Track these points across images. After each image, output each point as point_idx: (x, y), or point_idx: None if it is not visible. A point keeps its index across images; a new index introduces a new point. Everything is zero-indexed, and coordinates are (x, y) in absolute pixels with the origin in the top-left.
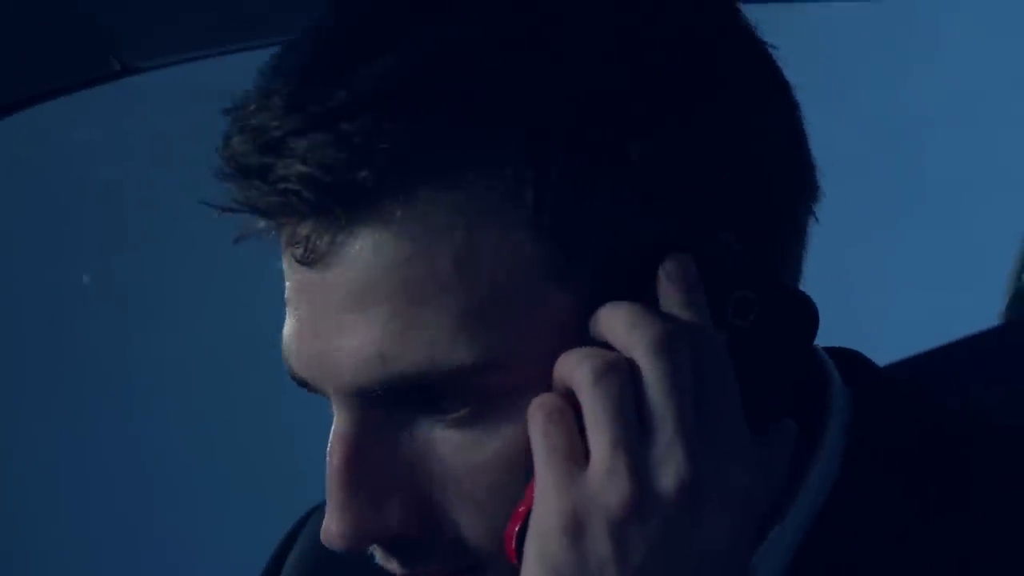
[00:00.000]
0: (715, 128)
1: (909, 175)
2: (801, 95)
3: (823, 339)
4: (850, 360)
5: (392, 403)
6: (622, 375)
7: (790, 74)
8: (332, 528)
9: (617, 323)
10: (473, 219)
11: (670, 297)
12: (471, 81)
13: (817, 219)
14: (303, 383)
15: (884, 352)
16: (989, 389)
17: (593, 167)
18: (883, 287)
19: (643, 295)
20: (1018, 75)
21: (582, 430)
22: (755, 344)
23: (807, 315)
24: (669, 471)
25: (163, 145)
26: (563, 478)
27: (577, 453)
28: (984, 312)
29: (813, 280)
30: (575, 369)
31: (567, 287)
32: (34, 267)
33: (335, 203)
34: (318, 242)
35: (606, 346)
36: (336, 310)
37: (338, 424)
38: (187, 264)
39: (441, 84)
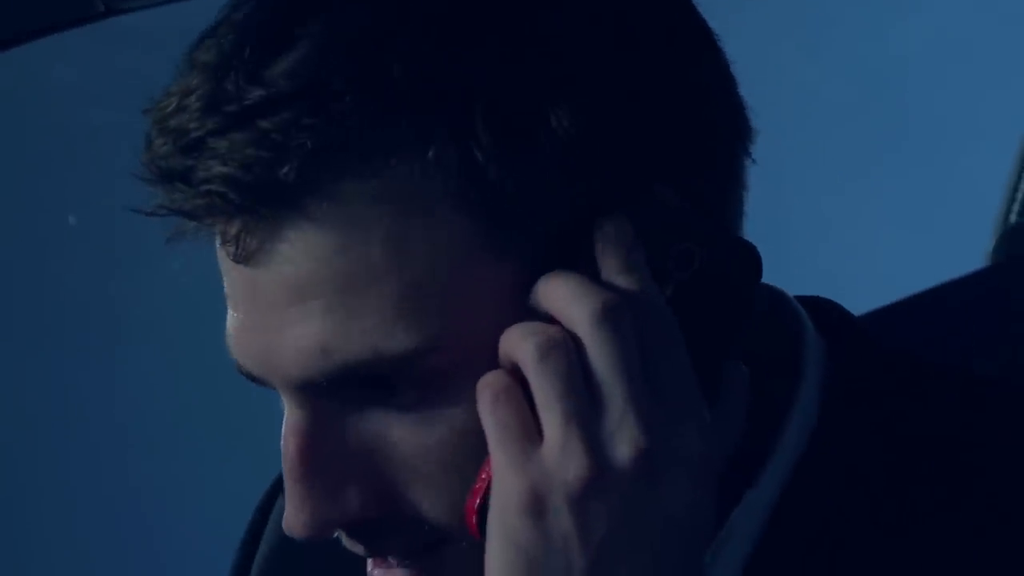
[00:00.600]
0: (637, 83)
1: (893, 119)
2: (786, 41)
3: (809, 287)
4: (824, 310)
5: (340, 393)
6: (567, 350)
7: (774, 21)
8: (293, 519)
9: (557, 296)
10: (399, 204)
11: (608, 260)
12: (385, 66)
13: (754, 160)
14: (250, 377)
15: (872, 299)
16: (976, 331)
17: (515, 138)
18: (869, 232)
19: (582, 260)
20: (1002, 17)
21: (532, 405)
22: (699, 294)
23: (750, 260)
24: (624, 442)
25: (148, 88)
26: (518, 457)
27: (530, 430)
28: (971, 256)
29: (797, 226)
30: (519, 346)
31: (504, 261)
32: (20, 207)
33: (259, 203)
34: (248, 241)
35: (549, 318)
36: (275, 306)
37: (289, 417)
38: None
39: (355, 72)
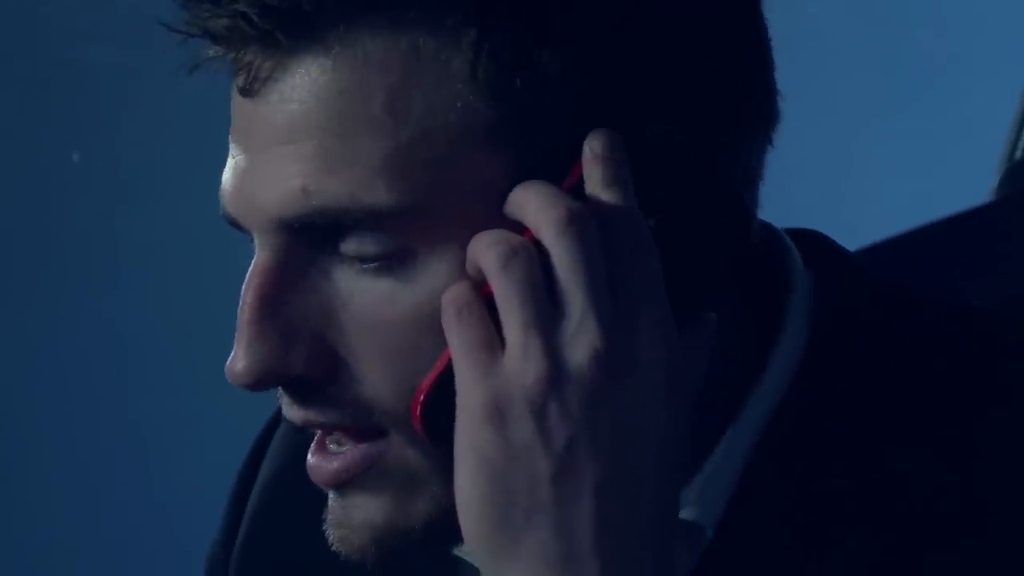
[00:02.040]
0: (665, 21)
1: (896, 55)
2: None
3: (816, 224)
4: (813, 242)
5: (312, 241)
6: (530, 257)
7: None
8: (237, 365)
9: (526, 203)
10: (410, 62)
11: (593, 173)
12: None
13: (773, 145)
14: (233, 222)
15: (879, 236)
16: (978, 264)
17: (533, 36)
18: (876, 171)
19: (569, 176)
20: None
21: (497, 316)
22: (683, 235)
23: (740, 218)
24: (582, 345)
25: (146, 25)
26: (480, 368)
27: (493, 341)
28: (977, 194)
29: (804, 164)
30: (483, 254)
31: (496, 152)
32: (22, 145)
33: (278, 28)
34: (260, 69)
35: (522, 228)
36: (270, 143)
37: (257, 260)
38: (178, 142)
39: None
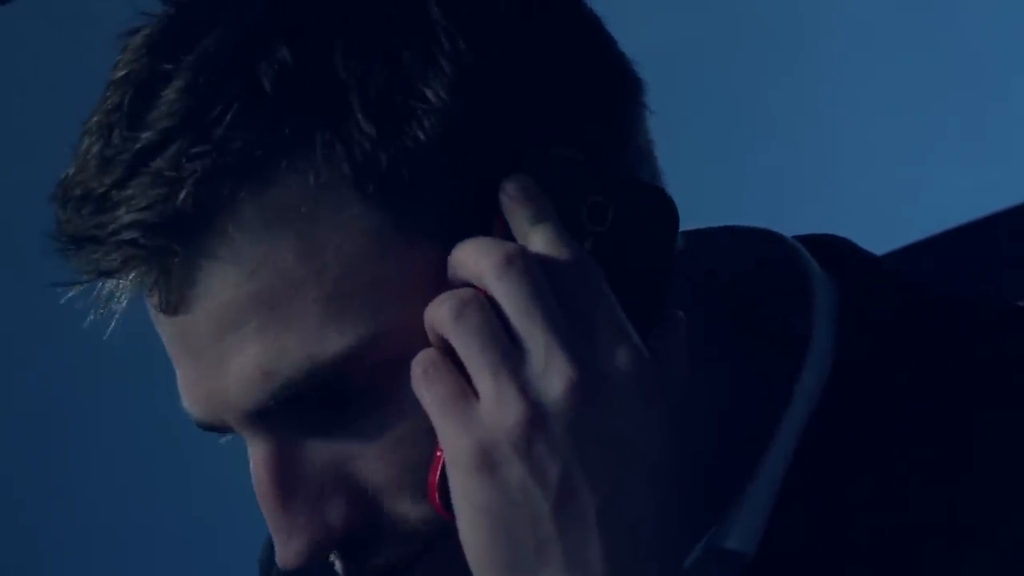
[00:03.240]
0: (509, 52)
1: (938, 45)
2: None
3: (855, 221)
4: (829, 245)
5: (293, 415)
6: (480, 305)
7: None
8: (287, 554)
9: (464, 259)
10: (301, 210)
11: (517, 217)
12: (256, 82)
13: (652, 110)
14: (211, 428)
15: (919, 232)
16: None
17: (397, 120)
18: (918, 164)
19: (496, 228)
20: None
21: (466, 372)
22: (621, 244)
23: (664, 206)
24: (553, 378)
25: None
26: (458, 419)
27: (465, 393)
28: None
29: (843, 158)
30: (434, 314)
31: (418, 245)
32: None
33: (169, 239)
34: (169, 286)
35: (468, 286)
36: (208, 346)
37: (252, 452)
38: None
39: (229, 94)
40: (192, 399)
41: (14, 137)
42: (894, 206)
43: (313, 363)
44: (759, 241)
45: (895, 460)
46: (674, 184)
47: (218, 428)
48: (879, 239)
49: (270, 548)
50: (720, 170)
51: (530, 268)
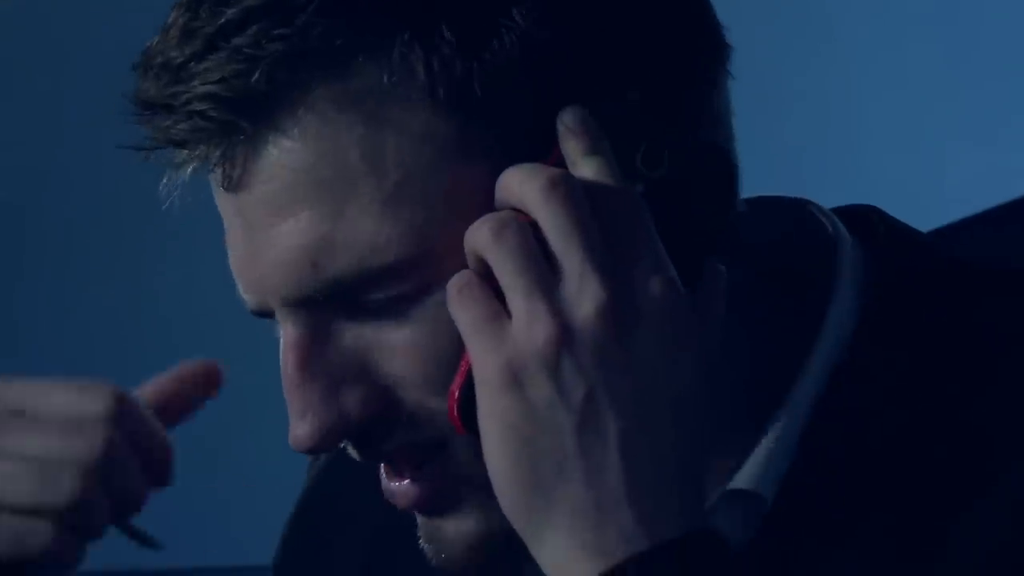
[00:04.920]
0: None
1: (966, 24)
2: None
3: (888, 198)
4: (861, 215)
5: (332, 305)
6: (520, 226)
7: None
8: (298, 432)
9: (510, 183)
10: (371, 107)
11: (571, 148)
12: None
13: (732, 75)
14: (258, 312)
15: (949, 213)
16: None
17: (479, 33)
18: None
19: (550, 158)
20: None
21: (501, 292)
22: (671, 195)
23: (723, 165)
24: (585, 301)
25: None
26: (489, 339)
27: (498, 313)
28: None
29: (870, 139)
30: (474, 234)
31: (478, 161)
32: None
33: (238, 115)
34: (233, 163)
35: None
36: (264, 226)
37: (285, 335)
38: None
39: None
40: (243, 282)
41: None
42: (920, 189)
43: (361, 266)
44: (793, 209)
45: (914, 410)
46: None
47: (262, 314)
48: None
49: (282, 552)
50: (746, 150)
51: (573, 193)
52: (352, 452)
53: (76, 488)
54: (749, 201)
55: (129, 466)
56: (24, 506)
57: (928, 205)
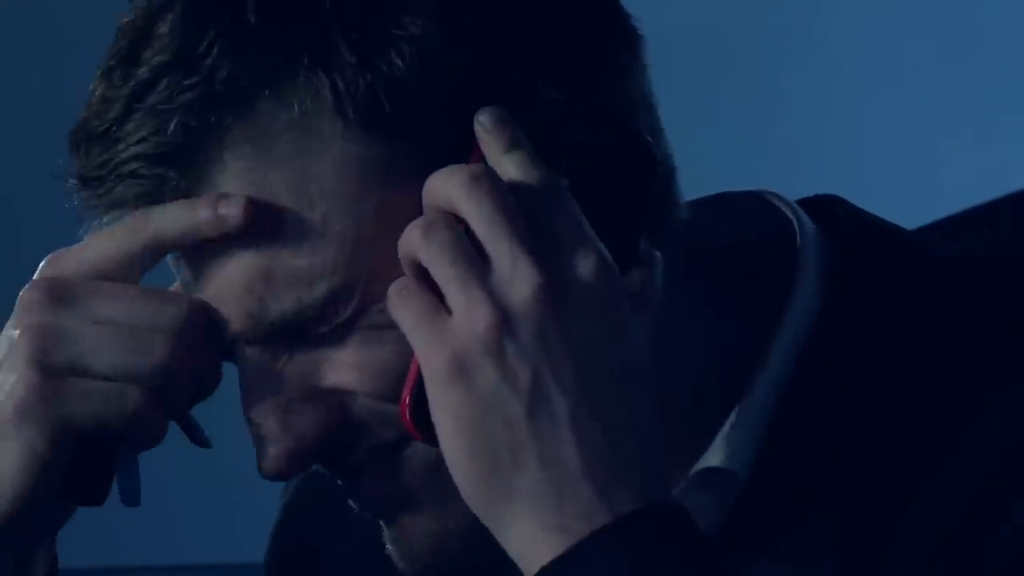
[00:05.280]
0: None
1: (959, 21)
2: None
3: (877, 196)
4: (824, 205)
5: (283, 338)
6: (448, 221)
7: None
8: (263, 463)
9: (435, 184)
10: (287, 141)
11: (491, 146)
12: (241, 16)
13: (645, 67)
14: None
15: (940, 209)
16: None
17: (378, 50)
18: (937, 141)
19: (471, 159)
20: None
21: (440, 293)
22: (595, 186)
23: (643, 154)
24: (520, 283)
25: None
26: (432, 334)
27: (438, 309)
28: None
29: (864, 136)
30: (407, 238)
31: (401, 178)
32: None
33: (165, 168)
34: None
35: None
36: (208, 270)
37: (239, 371)
38: None
39: (215, 29)
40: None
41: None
42: (911, 185)
43: (300, 303)
44: (756, 200)
45: (880, 390)
46: (693, 162)
47: (224, 353)
48: (895, 218)
49: (273, 552)
50: (737, 149)
51: (495, 184)
52: (322, 469)
53: (165, 353)
54: (713, 197)
55: (206, 349)
56: (115, 370)
57: (924, 202)
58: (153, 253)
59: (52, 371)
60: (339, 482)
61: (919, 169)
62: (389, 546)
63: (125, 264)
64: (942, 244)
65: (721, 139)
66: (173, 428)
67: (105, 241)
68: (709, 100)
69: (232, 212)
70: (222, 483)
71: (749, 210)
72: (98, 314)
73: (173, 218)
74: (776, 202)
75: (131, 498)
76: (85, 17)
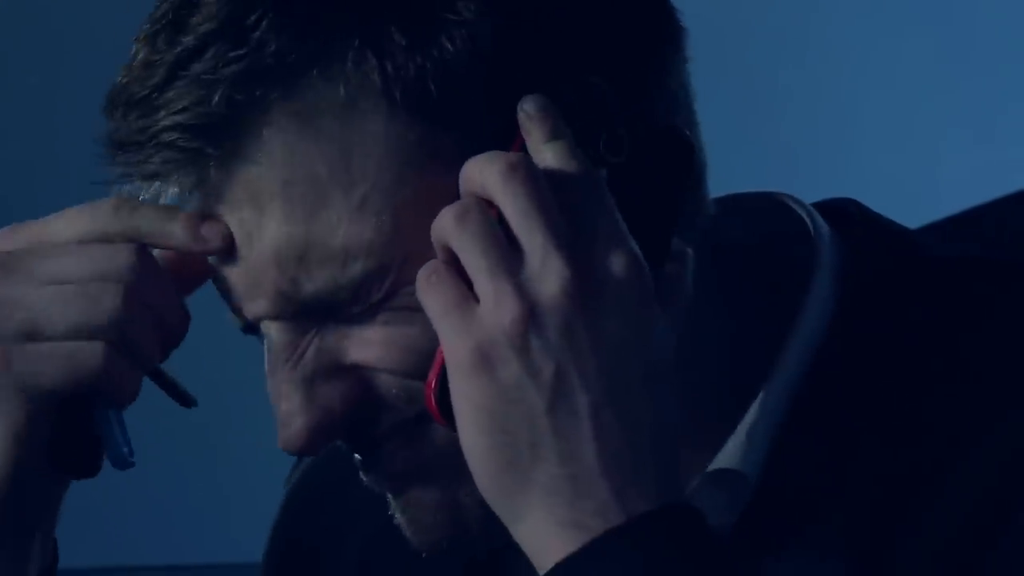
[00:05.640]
0: None
1: (956, 21)
2: None
3: (877, 194)
4: (838, 208)
5: (311, 313)
6: (482, 210)
7: None
8: (286, 434)
9: (472, 170)
10: (332, 120)
11: (533, 134)
12: None
13: (689, 58)
14: (244, 327)
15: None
16: None
17: (425, 33)
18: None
19: (513, 146)
20: None
21: (469, 281)
22: (633, 178)
23: (682, 147)
24: (549, 278)
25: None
26: (458, 323)
27: (466, 298)
28: None
29: (863, 135)
30: (440, 223)
31: (442, 162)
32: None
33: (205, 142)
34: (207, 186)
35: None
36: (242, 247)
37: (269, 345)
38: None
39: (263, 2)
40: (227, 300)
41: None
42: (907, 185)
43: (335, 284)
44: (773, 202)
45: (893, 392)
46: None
47: (251, 328)
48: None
49: (272, 550)
50: (738, 150)
51: (533, 175)
52: (346, 447)
53: (119, 303)
54: (729, 197)
55: (164, 287)
56: (72, 327)
57: (922, 201)
58: (123, 240)
59: (8, 339)
60: (357, 457)
61: (915, 168)
62: (400, 517)
63: (91, 241)
64: (948, 245)
65: (717, 137)
66: (168, 428)
67: (78, 215)
68: (705, 98)
69: (211, 236)
70: (221, 482)
71: (764, 211)
72: (43, 275)
73: (153, 221)
74: (791, 204)
75: (120, 461)
76: (85, 17)
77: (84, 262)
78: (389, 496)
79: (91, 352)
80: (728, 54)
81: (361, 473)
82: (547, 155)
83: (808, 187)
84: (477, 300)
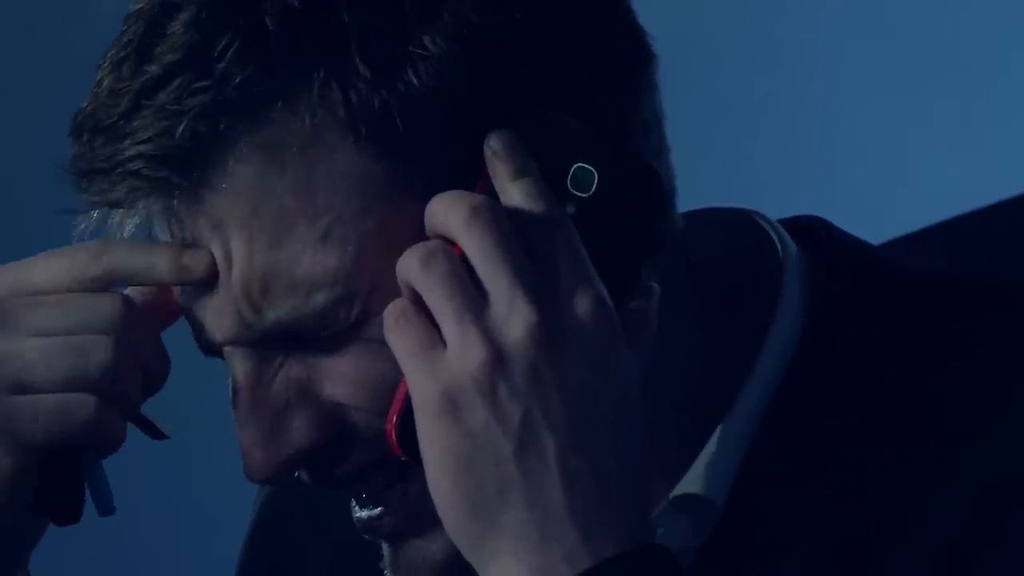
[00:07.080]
0: (516, 8)
1: (931, 33)
2: None
3: (849, 210)
4: (806, 226)
5: (276, 342)
6: (447, 254)
7: None
8: (251, 465)
9: (437, 210)
10: (297, 153)
11: (499, 172)
12: (259, 21)
13: (657, 86)
14: (206, 351)
15: (915, 222)
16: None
17: (391, 66)
18: (913, 154)
19: (479, 184)
20: None
21: (435, 322)
22: (602, 214)
23: (651, 183)
24: (515, 322)
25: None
26: (426, 366)
27: (433, 340)
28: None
29: (837, 148)
30: (405, 265)
31: (407, 196)
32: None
33: (171, 172)
34: (172, 215)
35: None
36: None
37: (232, 372)
38: None
39: (233, 32)
40: (192, 324)
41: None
42: (885, 197)
43: (296, 312)
44: (739, 219)
45: (860, 414)
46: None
47: (213, 352)
48: (869, 231)
49: (242, 571)
50: (711, 161)
51: (497, 218)
52: (306, 479)
53: (110, 355)
54: (695, 212)
55: (148, 334)
56: (61, 380)
57: (897, 212)
58: (105, 283)
59: None
60: (319, 491)
61: (892, 179)
62: (389, 571)
63: (74, 289)
64: (913, 264)
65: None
66: (144, 457)
67: (57, 261)
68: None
69: (195, 265)
70: (197, 508)
71: (733, 224)
72: (32, 327)
73: (134, 259)
74: (758, 220)
75: (105, 508)
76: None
77: (72, 313)
78: (384, 545)
79: (82, 405)
80: (705, 63)
81: (357, 516)
82: (513, 194)
83: (780, 199)
84: (444, 343)
